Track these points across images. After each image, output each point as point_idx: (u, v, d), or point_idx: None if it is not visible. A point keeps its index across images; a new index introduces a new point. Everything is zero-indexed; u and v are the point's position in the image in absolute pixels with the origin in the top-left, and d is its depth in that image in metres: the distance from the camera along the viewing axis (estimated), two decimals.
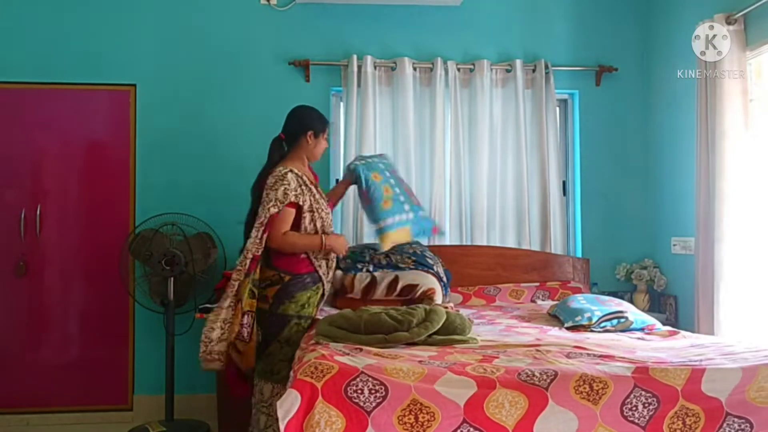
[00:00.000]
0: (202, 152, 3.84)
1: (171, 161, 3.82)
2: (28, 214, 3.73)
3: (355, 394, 1.72)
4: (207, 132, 3.85)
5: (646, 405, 1.77)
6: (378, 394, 1.72)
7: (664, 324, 3.11)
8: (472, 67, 3.91)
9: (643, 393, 1.78)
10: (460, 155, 3.86)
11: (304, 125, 2.77)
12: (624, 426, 1.75)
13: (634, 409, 1.77)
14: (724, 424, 1.77)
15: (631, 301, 3.93)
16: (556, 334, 2.62)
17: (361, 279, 3.16)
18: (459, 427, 1.70)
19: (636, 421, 1.76)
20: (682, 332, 2.67)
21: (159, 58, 3.84)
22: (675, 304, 3.75)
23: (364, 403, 1.71)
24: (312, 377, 1.74)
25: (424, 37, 3.92)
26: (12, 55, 3.76)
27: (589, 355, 2.09)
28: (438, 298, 3.16)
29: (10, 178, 3.76)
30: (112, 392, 3.77)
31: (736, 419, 1.78)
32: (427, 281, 3.18)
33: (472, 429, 1.70)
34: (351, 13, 3.86)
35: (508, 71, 3.94)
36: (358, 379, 1.75)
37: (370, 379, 1.75)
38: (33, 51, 3.77)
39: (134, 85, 3.84)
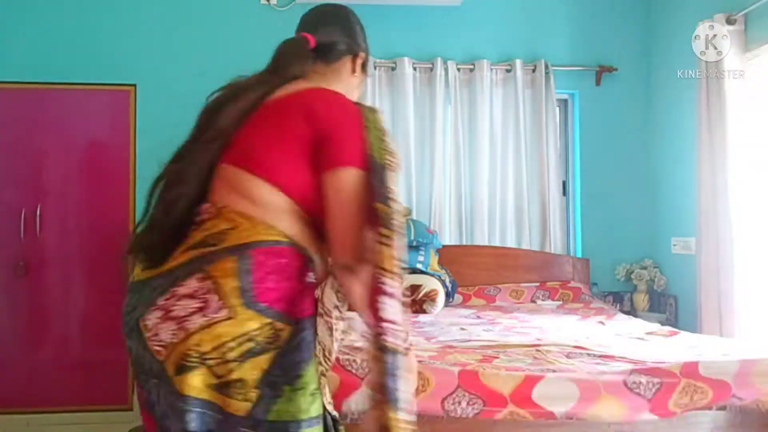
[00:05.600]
0: None
1: None
2: (28, 214, 3.73)
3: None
4: None
5: (650, 381, 1.81)
6: None
7: (663, 324, 3.11)
8: (472, 67, 3.91)
9: (644, 374, 1.81)
10: (460, 155, 3.86)
11: (356, 42, 1.60)
12: (628, 396, 1.78)
13: (637, 384, 1.79)
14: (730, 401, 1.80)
15: (631, 301, 3.94)
16: (556, 333, 2.62)
17: None
18: (454, 392, 1.71)
19: (641, 393, 1.77)
20: (682, 332, 2.67)
21: (159, 58, 3.84)
22: (675, 304, 3.75)
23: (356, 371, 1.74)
24: None
25: (424, 37, 3.92)
26: (12, 55, 3.76)
27: (589, 355, 2.09)
28: (440, 300, 3.16)
29: (10, 178, 3.75)
30: (112, 392, 3.77)
31: (738, 400, 1.80)
32: (430, 283, 3.19)
33: (466, 394, 1.71)
34: None
35: (508, 71, 3.94)
36: None
37: None
38: (33, 51, 3.77)
39: (134, 85, 3.84)
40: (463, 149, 3.88)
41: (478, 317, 3.07)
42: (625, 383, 1.78)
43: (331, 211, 1.25)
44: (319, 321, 1.32)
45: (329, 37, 1.52)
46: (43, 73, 3.77)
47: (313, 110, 1.30)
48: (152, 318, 1.18)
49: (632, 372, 1.83)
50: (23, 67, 3.76)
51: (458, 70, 3.89)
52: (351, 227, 1.25)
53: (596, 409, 1.74)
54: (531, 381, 1.75)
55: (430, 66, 3.87)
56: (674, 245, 3.77)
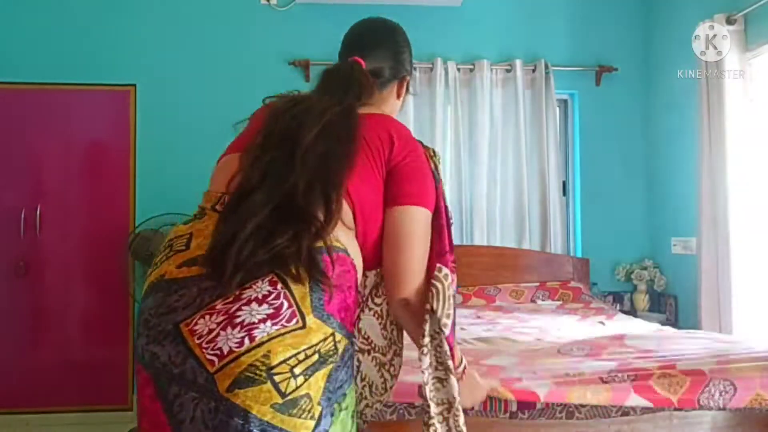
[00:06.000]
0: (201, 152, 3.83)
1: (171, 161, 3.82)
2: (28, 214, 3.73)
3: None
4: (207, 132, 3.85)
5: (624, 373, 1.85)
6: None
7: (664, 324, 3.12)
8: (472, 67, 3.91)
9: (622, 372, 1.86)
10: (460, 155, 3.86)
11: (403, 65, 1.55)
12: (611, 383, 1.81)
13: (614, 374, 1.83)
14: (710, 384, 1.80)
15: (631, 301, 3.94)
16: (555, 334, 2.62)
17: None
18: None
19: (623, 381, 1.81)
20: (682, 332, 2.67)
21: (159, 58, 3.84)
22: (675, 304, 3.75)
23: None
24: None
25: (424, 37, 3.91)
26: (12, 55, 3.76)
27: (579, 348, 2.12)
28: None
29: (10, 178, 3.76)
30: (112, 392, 3.77)
31: (721, 381, 1.81)
32: None
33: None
34: (351, 13, 3.83)
35: (508, 71, 3.94)
36: None
37: None
38: (33, 51, 3.77)
39: (134, 85, 3.84)
40: (463, 149, 3.88)
41: (478, 317, 3.07)
42: (600, 379, 1.81)
43: (402, 246, 1.27)
44: (366, 358, 1.37)
45: (378, 63, 1.47)
46: (43, 73, 3.77)
47: (392, 141, 1.30)
48: (206, 323, 1.04)
49: (610, 371, 1.85)
50: (23, 67, 3.76)
51: (458, 70, 3.89)
52: (417, 265, 1.28)
53: (577, 391, 1.75)
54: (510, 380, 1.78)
55: (430, 66, 3.87)
56: (674, 245, 3.77)
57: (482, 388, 1.53)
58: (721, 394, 1.78)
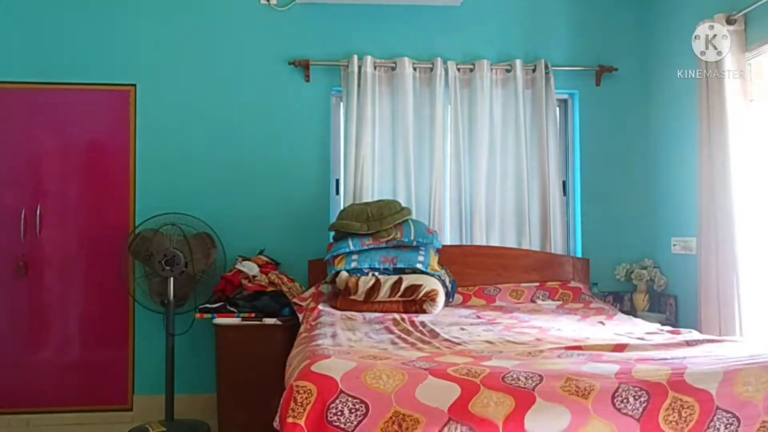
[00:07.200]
0: (201, 152, 3.84)
1: (171, 161, 3.82)
2: (28, 214, 3.73)
3: (335, 418, 1.71)
4: (207, 132, 3.85)
5: (637, 397, 1.78)
6: (358, 413, 1.72)
7: (664, 324, 3.11)
8: (472, 67, 3.91)
9: (631, 387, 1.80)
10: (460, 155, 3.87)
11: None
12: (618, 418, 1.76)
13: (625, 401, 1.78)
14: (715, 418, 1.79)
15: (631, 301, 3.94)
16: (555, 334, 2.62)
17: (366, 281, 3.17)
18: (446, 425, 1.70)
19: (630, 413, 1.76)
20: (683, 332, 2.66)
21: (159, 58, 3.85)
22: (675, 304, 3.75)
23: (345, 425, 1.70)
24: (295, 417, 1.71)
25: (424, 37, 3.92)
26: (12, 55, 3.76)
27: (580, 355, 2.10)
28: (440, 300, 3.16)
29: (10, 178, 3.76)
30: (112, 392, 3.77)
31: (724, 413, 1.80)
32: (430, 283, 3.18)
33: (459, 425, 1.70)
34: (351, 13, 3.86)
35: (508, 71, 3.94)
36: (337, 401, 1.73)
37: (349, 398, 1.73)
38: (33, 51, 3.77)
39: (134, 85, 3.84)
40: (463, 149, 3.88)
41: (478, 317, 3.07)
42: (613, 404, 1.76)
43: None
44: None
45: None
46: (43, 73, 3.78)
47: None
48: None
49: (619, 386, 1.80)
50: (23, 67, 3.77)
51: (458, 70, 3.89)
52: None
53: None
54: (522, 409, 1.71)
55: (430, 66, 3.87)
56: (674, 245, 3.77)
57: None
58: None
